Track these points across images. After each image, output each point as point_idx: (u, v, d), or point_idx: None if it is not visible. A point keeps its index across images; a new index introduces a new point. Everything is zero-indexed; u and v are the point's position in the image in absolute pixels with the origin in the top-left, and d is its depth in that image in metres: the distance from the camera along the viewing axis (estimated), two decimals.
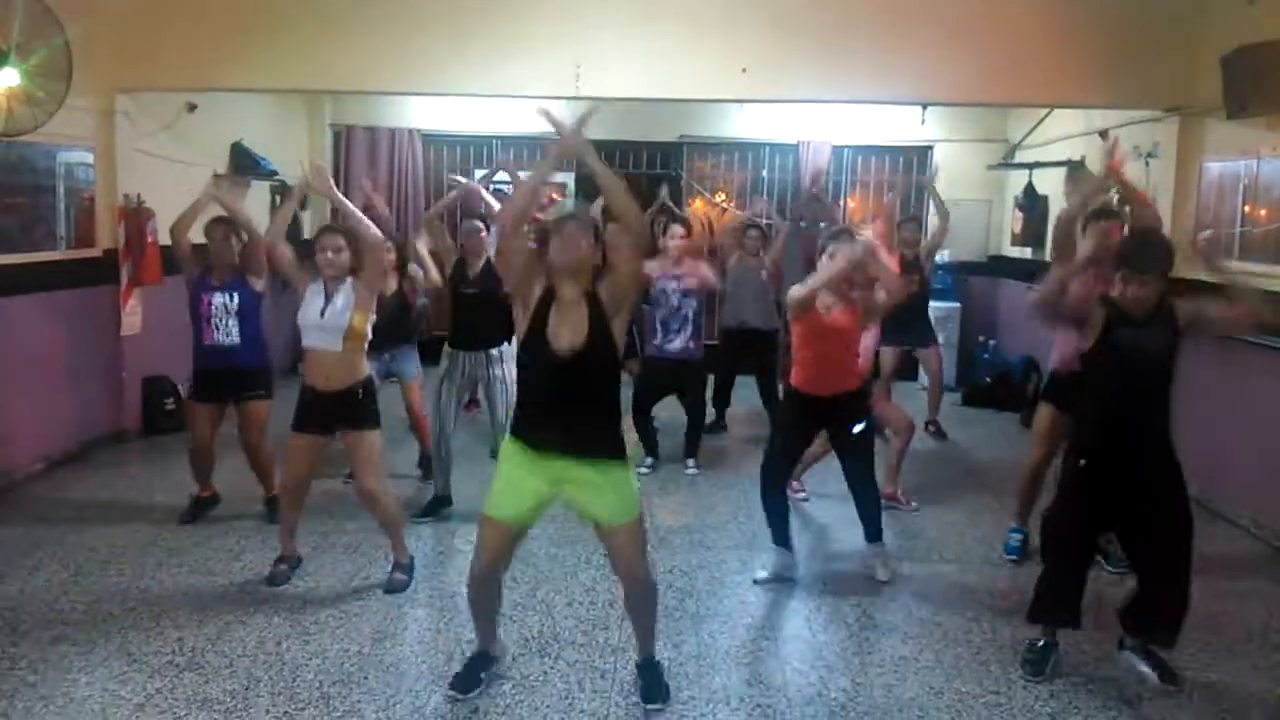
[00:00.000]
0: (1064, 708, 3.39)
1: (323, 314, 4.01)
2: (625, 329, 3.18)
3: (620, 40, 6.13)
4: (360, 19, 6.12)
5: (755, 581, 4.39)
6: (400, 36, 6.15)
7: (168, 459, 5.86)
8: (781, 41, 6.12)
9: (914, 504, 5.46)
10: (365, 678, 3.45)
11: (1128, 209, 4.89)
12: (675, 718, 3.26)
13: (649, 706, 3.31)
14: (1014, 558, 4.68)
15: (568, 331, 3.04)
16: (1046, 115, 8.09)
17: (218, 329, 4.78)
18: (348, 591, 4.17)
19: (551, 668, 3.57)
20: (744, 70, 6.13)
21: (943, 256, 9.03)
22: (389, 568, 4.28)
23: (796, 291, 4.13)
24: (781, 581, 4.39)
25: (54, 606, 3.95)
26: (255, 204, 8.38)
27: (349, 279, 4.07)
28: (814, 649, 3.79)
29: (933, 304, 7.47)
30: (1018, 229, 8.35)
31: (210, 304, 4.77)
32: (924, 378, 7.76)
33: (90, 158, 6.08)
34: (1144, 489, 3.43)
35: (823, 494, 5.61)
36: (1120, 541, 3.81)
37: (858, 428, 4.38)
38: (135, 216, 6.21)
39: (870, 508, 4.49)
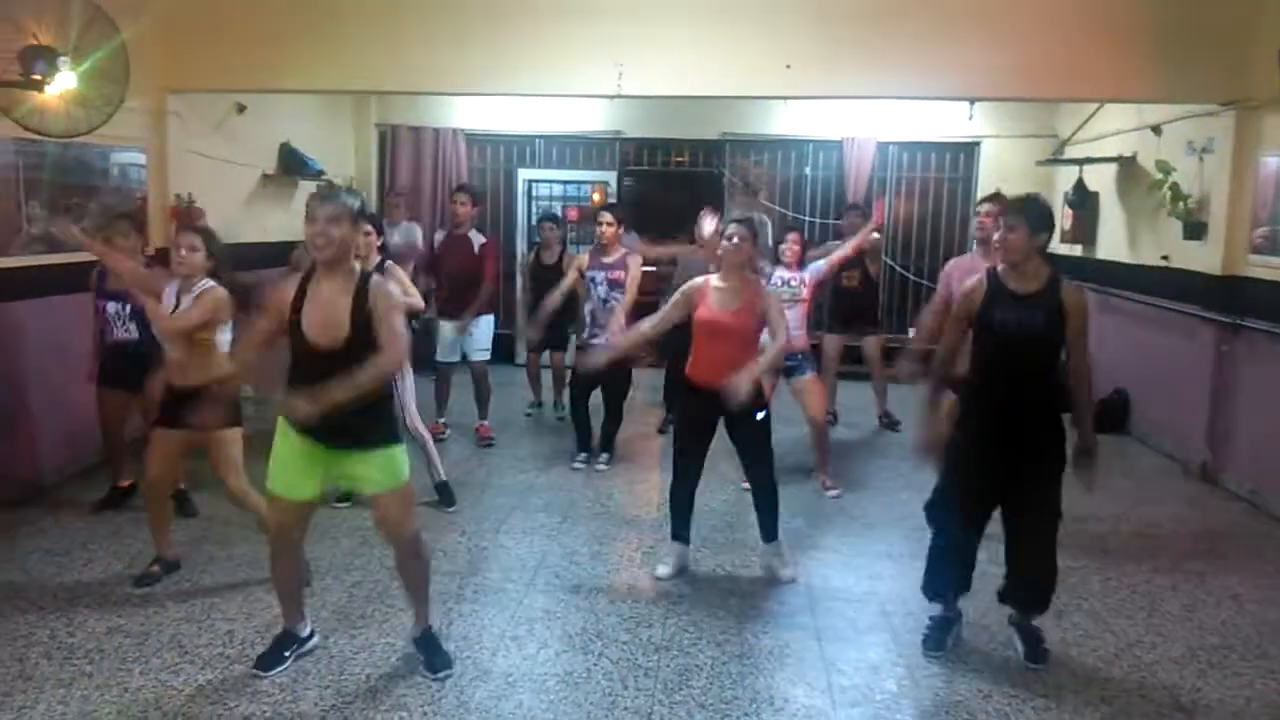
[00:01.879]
0: (1115, 713, 3.34)
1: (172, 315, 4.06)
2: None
3: (662, 38, 6.11)
4: (406, 21, 6.17)
5: (657, 578, 4.37)
6: (445, 38, 6.19)
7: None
8: (826, 37, 6.06)
9: (834, 491, 5.59)
10: (411, 672, 3.48)
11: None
12: (718, 718, 3.25)
13: (438, 675, 3.43)
14: None
15: (326, 328, 3.12)
16: (1097, 110, 7.94)
17: (117, 327, 4.95)
18: (393, 586, 4.20)
19: (594, 665, 3.57)
20: (788, 66, 6.07)
21: None
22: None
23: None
24: (683, 574, 4.40)
25: (108, 598, 4.04)
26: (303, 204, 8.49)
27: (205, 281, 4.08)
28: (859, 650, 3.76)
29: None
30: (1067, 226, 8.21)
31: (106, 311, 4.94)
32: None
33: (142, 158, 6.19)
34: (1020, 462, 3.49)
35: (861, 489, 5.57)
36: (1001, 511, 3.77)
37: (759, 415, 4.29)
38: (186, 216, 6.31)
39: (767, 505, 4.42)
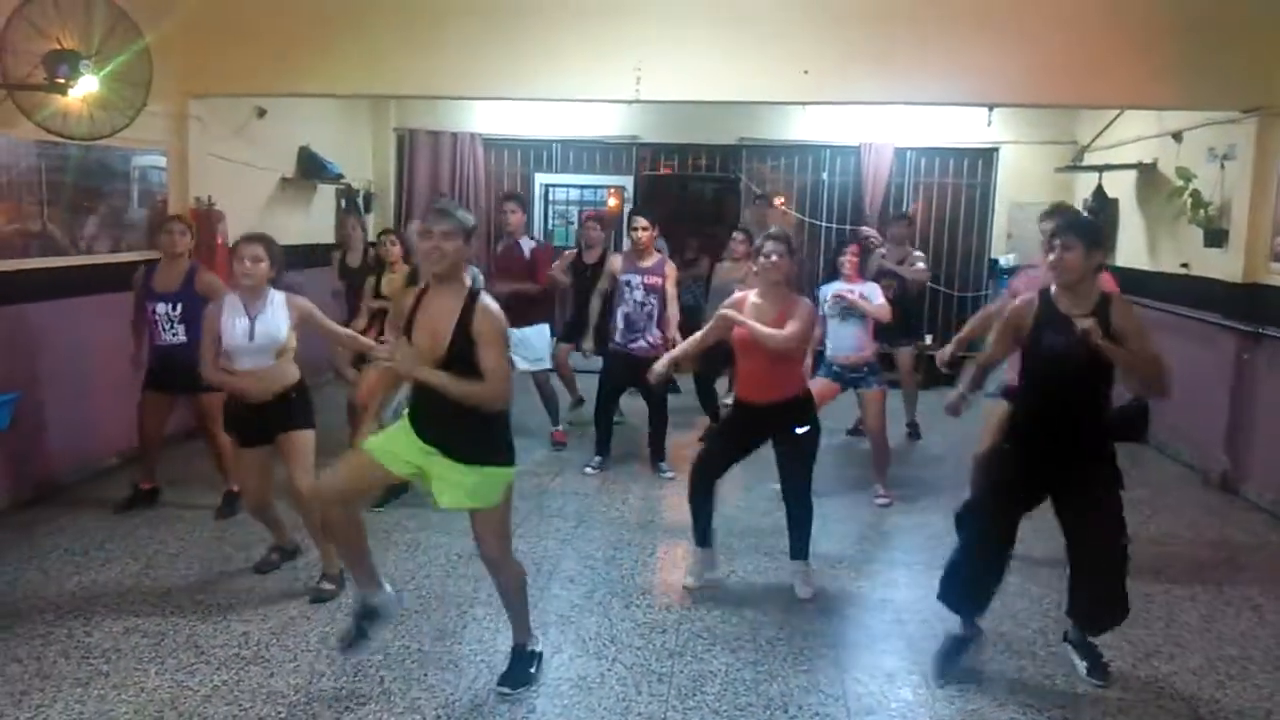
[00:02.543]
0: None
1: (251, 337, 4.02)
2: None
3: (680, 43, 6.10)
4: (425, 26, 6.20)
5: (686, 588, 4.33)
6: (464, 42, 6.21)
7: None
8: (844, 42, 6.05)
9: (884, 500, 5.56)
10: (425, 675, 3.49)
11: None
12: None
13: (499, 688, 3.38)
14: None
15: (427, 334, 3.14)
16: (1117, 116, 7.90)
17: (165, 331, 4.95)
18: (409, 588, 4.21)
19: (609, 670, 3.57)
20: (805, 72, 6.06)
21: (1009, 260, 8.88)
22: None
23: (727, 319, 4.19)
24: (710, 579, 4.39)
25: (125, 598, 4.07)
26: (321, 208, 8.58)
27: (270, 291, 4.09)
28: (874, 658, 3.75)
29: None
30: None
31: (155, 312, 4.95)
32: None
33: (163, 161, 6.24)
34: (1069, 482, 3.44)
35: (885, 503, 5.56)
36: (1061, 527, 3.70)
37: (800, 430, 4.26)
38: (206, 219, 6.35)
39: (798, 522, 4.35)
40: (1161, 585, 4.50)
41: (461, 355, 3.10)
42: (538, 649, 3.55)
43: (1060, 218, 4.16)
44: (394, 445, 3.25)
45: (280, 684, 3.40)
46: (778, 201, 9.47)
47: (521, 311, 6.37)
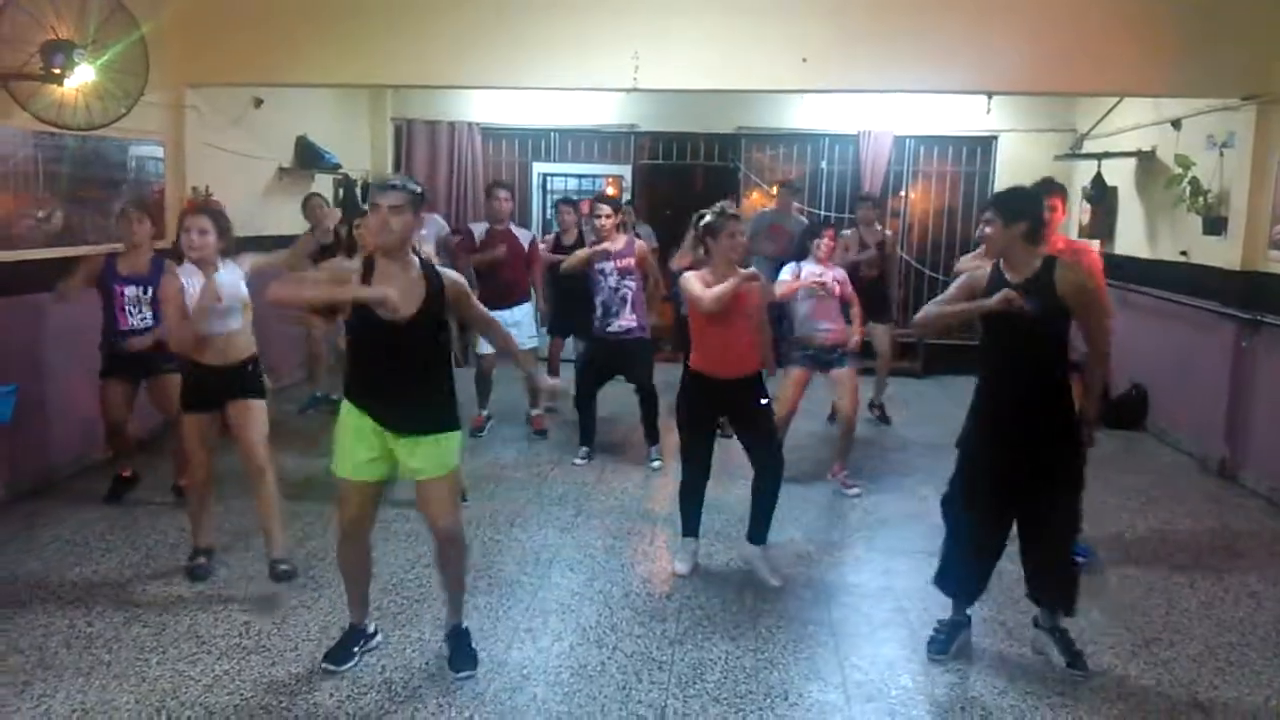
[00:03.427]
0: (1131, 710, 3.32)
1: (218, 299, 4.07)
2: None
3: (678, 31, 6.08)
4: (422, 15, 6.17)
5: (676, 575, 4.37)
6: (461, 31, 6.19)
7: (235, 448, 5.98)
8: (842, 30, 6.03)
9: (855, 490, 5.55)
10: (426, 664, 3.50)
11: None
12: (732, 712, 3.25)
13: (459, 675, 3.40)
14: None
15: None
16: (1116, 104, 7.89)
17: (131, 315, 4.91)
18: (409, 578, 4.22)
19: (609, 659, 3.58)
20: (804, 60, 6.04)
21: None
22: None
23: (706, 297, 4.11)
24: (696, 570, 4.40)
25: (126, 588, 4.07)
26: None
27: (226, 260, 4.15)
28: (873, 646, 3.76)
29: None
30: (1086, 220, 8.15)
31: (124, 295, 4.89)
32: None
33: (160, 151, 6.22)
34: (1034, 450, 3.48)
35: (880, 490, 5.56)
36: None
37: (764, 402, 4.31)
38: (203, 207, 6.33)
39: (769, 502, 4.37)
40: (1160, 572, 4.51)
41: (431, 319, 3.22)
42: (467, 623, 3.64)
43: (1057, 193, 4.42)
44: (358, 453, 3.28)
45: (281, 673, 3.40)
46: (775, 190, 9.42)
47: (504, 293, 6.40)
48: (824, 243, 5.69)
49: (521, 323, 6.50)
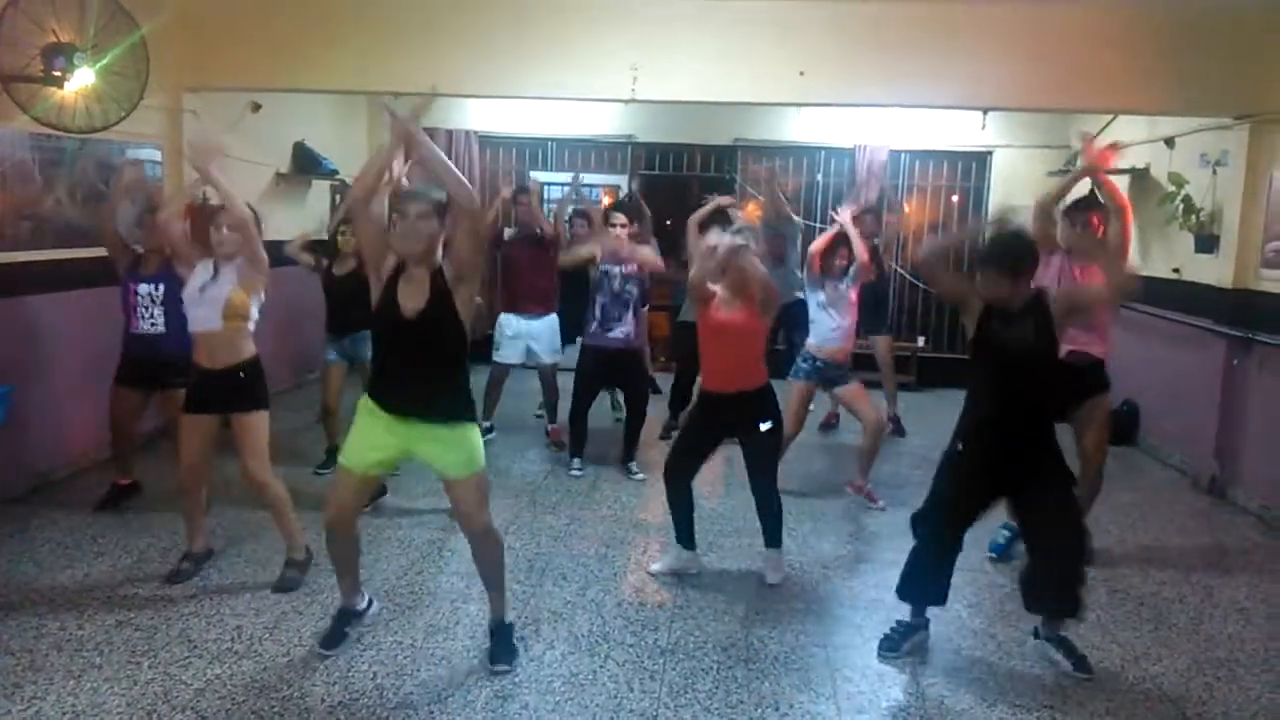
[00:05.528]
0: None
1: (202, 290, 4.04)
2: (471, 299, 3.35)
3: (676, 43, 6.12)
4: (421, 23, 6.20)
5: (650, 572, 4.45)
6: (460, 40, 6.22)
7: (229, 450, 5.97)
8: (840, 44, 6.08)
9: (881, 503, 5.54)
10: (418, 670, 3.50)
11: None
12: None
13: (495, 668, 3.48)
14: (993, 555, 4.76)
15: (411, 300, 3.25)
16: (1110, 122, 7.92)
17: (143, 318, 4.84)
18: (400, 585, 4.22)
19: (601, 667, 3.58)
20: (801, 73, 6.09)
21: None
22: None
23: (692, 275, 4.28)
24: (680, 577, 4.42)
25: (118, 592, 4.06)
26: (316, 203, 8.57)
27: (239, 258, 4.11)
28: (865, 657, 3.76)
29: None
30: None
31: (137, 293, 4.84)
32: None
33: (158, 155, 6.23)
34: (1022, 474, 3.53)
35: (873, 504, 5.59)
36: (1016, 522, 3.90)
37: (764, 425, 4.33)
38: (200, 213, 6.33)
39: (771, 513, 4.43)
40: (1150, 587, 4.53)
41: (440, 310, 3.23)
42: (510, 618, 3.70)
43: (1093, 210, 4.61)
44: (365, 441, 3.37)
45: (273, 678, 3.40)
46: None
47: (540, 299, 6.42)
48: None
49: (542, 336, 6.47)
